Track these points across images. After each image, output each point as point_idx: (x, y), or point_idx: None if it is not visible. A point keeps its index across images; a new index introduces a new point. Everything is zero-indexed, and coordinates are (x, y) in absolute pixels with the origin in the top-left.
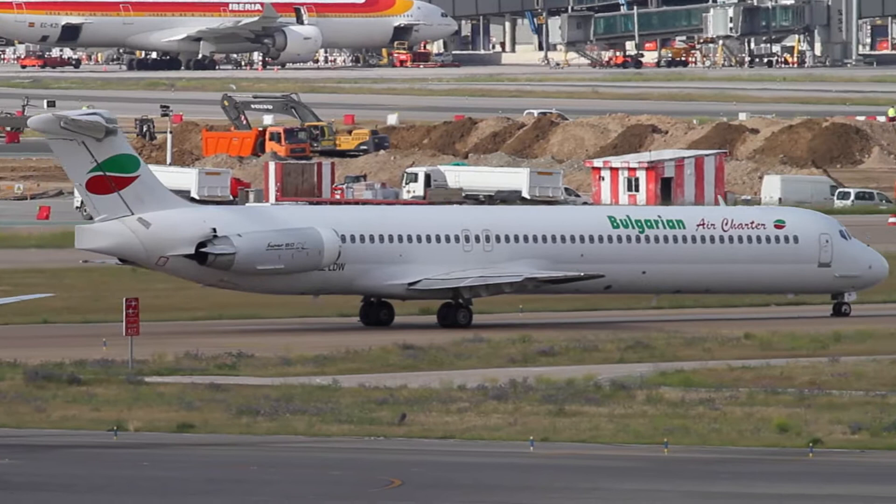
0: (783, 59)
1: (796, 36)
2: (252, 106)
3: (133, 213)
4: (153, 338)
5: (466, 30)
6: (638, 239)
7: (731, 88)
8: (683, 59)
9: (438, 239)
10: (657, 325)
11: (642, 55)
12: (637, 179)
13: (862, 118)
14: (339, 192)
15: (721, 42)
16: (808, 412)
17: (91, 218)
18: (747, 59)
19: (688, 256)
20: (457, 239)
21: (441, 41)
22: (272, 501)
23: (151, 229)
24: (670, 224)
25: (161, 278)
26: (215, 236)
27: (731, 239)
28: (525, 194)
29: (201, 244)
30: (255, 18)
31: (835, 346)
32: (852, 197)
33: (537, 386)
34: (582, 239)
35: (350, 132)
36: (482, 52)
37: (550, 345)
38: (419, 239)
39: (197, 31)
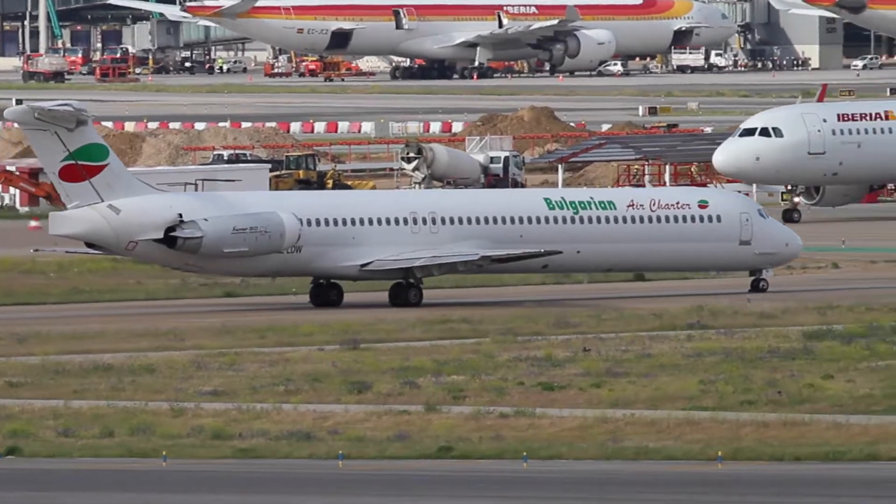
0: None
1: None
2: None
3: (103, 200)
4: None
5: None
6: (573, 220)
7: None
8: None
9: (388, 222)
10: None
11: None
12: None
13: None
14: None
15: None
16: None
17: None
18: None
19: (620, 236)
20: (405, 221)
21: None
22: None
23: (121, 215)
24: (602, 205)
25: None
26: (182, 221)
27: (658, 219)
28: None
29: (170, 228)
30: None
31: None
32: None
33: None
34: (521, 220)
35: None
36: None
37: None
38: (370, 222)
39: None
